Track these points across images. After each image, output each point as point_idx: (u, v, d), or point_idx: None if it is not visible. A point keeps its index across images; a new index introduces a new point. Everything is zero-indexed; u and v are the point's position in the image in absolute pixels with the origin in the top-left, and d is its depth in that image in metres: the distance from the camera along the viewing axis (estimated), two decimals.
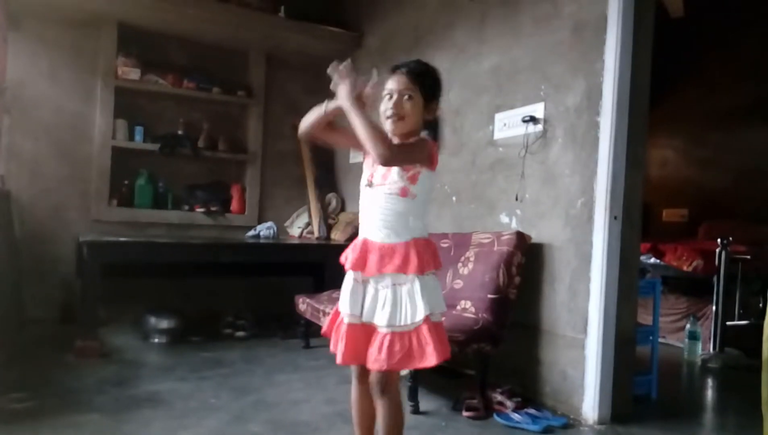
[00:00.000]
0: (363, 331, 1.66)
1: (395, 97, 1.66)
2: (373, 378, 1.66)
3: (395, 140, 1.68)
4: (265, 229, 4.60)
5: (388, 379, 1.65)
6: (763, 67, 5.47)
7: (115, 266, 3.70)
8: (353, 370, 1.76)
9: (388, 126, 1.67)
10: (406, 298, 1.63)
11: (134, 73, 4.36)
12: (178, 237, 4.41)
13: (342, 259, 1.76)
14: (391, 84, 1.67)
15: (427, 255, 1.68)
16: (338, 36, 4.76)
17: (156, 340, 3.76)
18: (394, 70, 1.70)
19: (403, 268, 1.63)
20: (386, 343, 1.60)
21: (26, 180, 4.13)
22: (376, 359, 1.61)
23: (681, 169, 6.42)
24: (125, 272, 4.01)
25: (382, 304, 1.64)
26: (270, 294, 4.54)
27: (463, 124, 3.50)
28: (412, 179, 1.66)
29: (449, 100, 3.60)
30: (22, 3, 3.98)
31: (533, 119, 2.95)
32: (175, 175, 4.68)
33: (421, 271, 1.64)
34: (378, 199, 1.68)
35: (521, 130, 3.01)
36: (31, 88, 4.16)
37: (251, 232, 4.64)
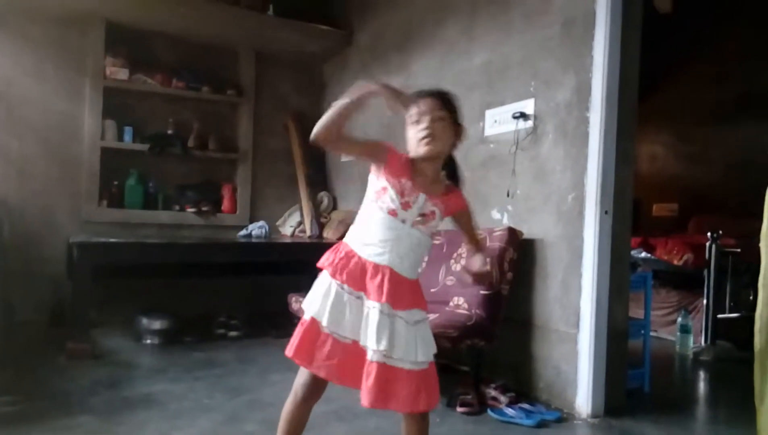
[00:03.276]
0: (388, 373, 1.54)
1: (426, 119, 1.63)
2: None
3: (427, 163, 1.65)
4: (257, 229, 4.59)
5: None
6: (749, 62, 5.52)
7: (106, 267, 3.67)
8: (307, 385, 1.63)
9: (421, 149, 1.63)
10: (424, 335, 1.61)
11: (122, 73, 4.34)
12: (169, 237, 4.39)
13: (339, 274, 1.60)
14: (420, 107, 1.65)
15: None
16: (328, 34, 4.74)
17: (148, 341, 3.74)
18: (420, 95, 1.67)
19: (425, 305, 1.65)
20: (429, 381, 1.58)
21: (14, 181, 4.08)
22: (419, 399, 1.55)
23: (670, 164, 6.46)
24: (116, 273, 3.98)
25: (415, 340, 1.57)
26: (262, 293, 4.53)
27: None
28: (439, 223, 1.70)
29: None
30: (8, 0, 3.94)
31: (524, 115, 2.96)
32: (165, 175, 4.65)
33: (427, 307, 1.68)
34: (417, 236, 1.62)
35: (512, 126, 3.02)
36: (17, 87, 4.12)
37: (243, 232, 4.63)
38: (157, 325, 3.76)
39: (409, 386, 1.54)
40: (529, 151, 2.96)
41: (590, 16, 2.63)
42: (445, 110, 1.66)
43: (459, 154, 3.58)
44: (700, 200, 5.84)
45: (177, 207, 4.64)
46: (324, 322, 1.58)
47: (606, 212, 2.59)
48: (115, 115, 4.37)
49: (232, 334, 4.01)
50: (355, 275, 1.58)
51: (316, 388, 1.63)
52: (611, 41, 2.57)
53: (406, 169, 1.63)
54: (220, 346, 3.72)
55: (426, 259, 1.74)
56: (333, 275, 1.61)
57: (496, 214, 3.14)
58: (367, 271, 1.58)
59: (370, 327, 1.54)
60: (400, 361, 1.54)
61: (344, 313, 1.57)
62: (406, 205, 1.61)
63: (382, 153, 1.64)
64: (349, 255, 1.62)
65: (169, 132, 4.57)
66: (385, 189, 1.62)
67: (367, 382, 1.52)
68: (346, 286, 1.59)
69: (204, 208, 4.67)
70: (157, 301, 4.04)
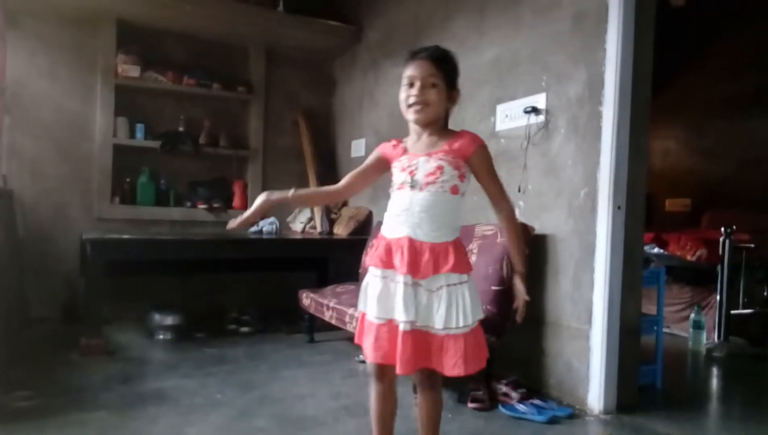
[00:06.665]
0: (420, 337, 1.58)
1: (418, 84, 1.60)
2: (424, 374, 1.65)
3: (418, 128, 1.67)
4: (267, 225, 4.60)
5: (438, 375, 1.65)
6: (763, 55, 5.45)
7: (119, 264, 3.70)
8: (374, 369, 1.68)
9: (411, 114, 1.63)
10: (462, 299, 1.60)
11: (134, 71, 4.36)
12: (180, 234, 4.42)
13: (373, 261, 1.65)
14: (413, 71, 1.61)
15: (466, 255, 1.68)
16: (337, 30, 4.74)
17: (161, 337, 3.76)
18: (414, 56, 1.63)
19: (458, 268, 1.60)
20: (458, 347, 1.57)
21: (28, 179, 4.13)
22: (456, 365, 1.57)
23: (683, 159, 6.40)
24: (129, 270, 4.01)
25: (437, 307, 1.58)
26: (273, 289, 4.55)
27: (464, 117, 3.49)
28: (462, 177, 1.64)
29: None
30: (20, 1, 3.97)
31: (535, 110, 2.94)
32: (176, 172, 4.68)
33: (469, 270, 1.64)
34: (427, 198, 1.60)
35: (523, 121, 3.00)
36: (30, 87, 4.16)
37: (254, 228, 4.63)
38: (169, 321, 3.79)
39: (440, 351, 1.59)
40: (540, 146, 2.94)
41: (602, 9, 2.60)
42: (440, 75, 1.61)
43: None
44: (714, 195, 5.78)
45: (188, 204, 4.67)
46: (364, 310, 1.68)
47: (619, 207, 2.56)
48: (126, 112, 4.41)
49: (244, 330, 4.03)
50: (382, 255, 1.63)
51: (378, 370, 1.67)
52: (624, 34, 2.54)
53: (400, 149, 1.71)
54: (231, 342, 3.73)
55: (456, 219, 1.67)
56: (368, 263, 1.68)
57: None
58: (392, 248, 1.62)
59: (398, 300, 1.58)
60: (426, 328, 1.59)
61: (401, 301, 1.58)
62: (411, 173, 1.64)
63: (381, 158, 1.75)
64: (380, 239, 1.69)
65: (181, 129, 4.60)
66: (392, 174, 1.72)
67: (400, 351, 1.56)
68: (375, 269, 1.65)
69: (215, 205, 4.70)
70: (169, 297, 4.07)
